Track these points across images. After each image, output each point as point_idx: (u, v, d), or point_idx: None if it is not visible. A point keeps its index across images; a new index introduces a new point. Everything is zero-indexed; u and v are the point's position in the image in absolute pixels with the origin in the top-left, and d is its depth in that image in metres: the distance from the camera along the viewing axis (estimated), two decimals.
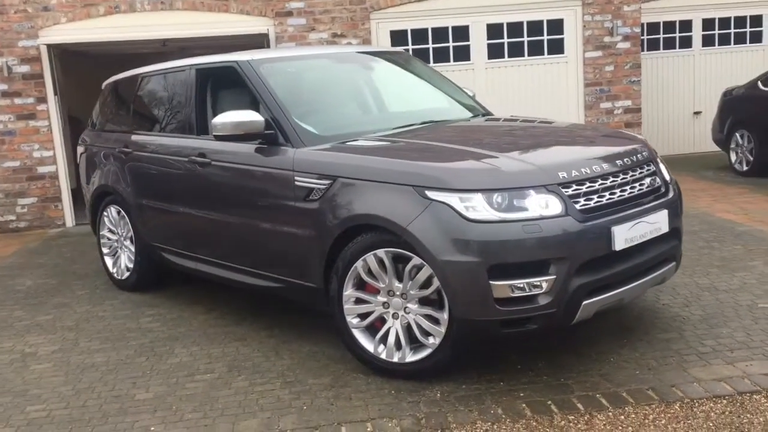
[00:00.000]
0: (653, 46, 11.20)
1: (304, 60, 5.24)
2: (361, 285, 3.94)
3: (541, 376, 3.78)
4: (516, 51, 9.74)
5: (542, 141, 4.33)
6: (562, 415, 3.37)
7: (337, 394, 3.72)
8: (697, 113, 11.63)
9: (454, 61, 9.65)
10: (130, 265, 5.84)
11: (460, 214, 3.50)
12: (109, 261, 6.10)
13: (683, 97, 11.61)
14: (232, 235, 4.71)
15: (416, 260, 3.66)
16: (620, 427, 3.24)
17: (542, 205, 3.53)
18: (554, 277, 3.49)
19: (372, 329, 3.93)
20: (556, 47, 9.75)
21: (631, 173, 3.90)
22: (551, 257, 3.50)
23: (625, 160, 3.91)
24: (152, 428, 3.53)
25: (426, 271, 3.64)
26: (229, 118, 4.33)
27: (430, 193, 3.59)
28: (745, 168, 9.36)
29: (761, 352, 3.87)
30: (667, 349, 4.00)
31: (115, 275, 6.00)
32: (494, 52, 9.70)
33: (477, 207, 3.50)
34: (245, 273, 4.65)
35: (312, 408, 3.61)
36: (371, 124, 4.71)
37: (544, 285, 3.49)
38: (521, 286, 3.48)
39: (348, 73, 5.29)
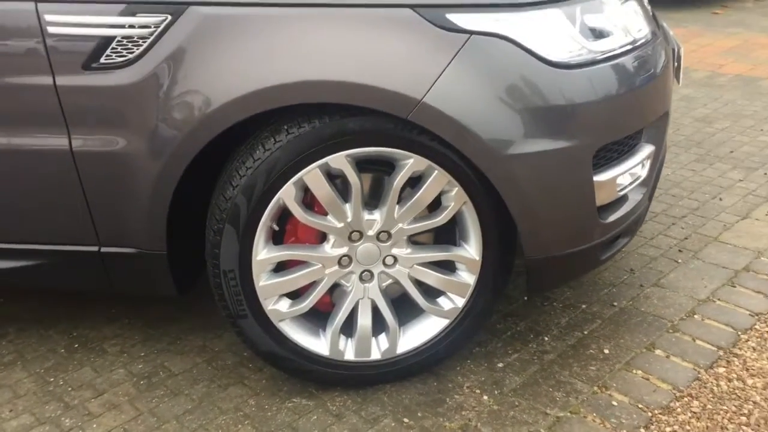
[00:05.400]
0: None
1: None
2: (278, 236, 1.90)
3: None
4: None
5: None
6: None
7: None
8: None
9: None
10: None
11: (537, 56, 1.70)
12: None
13: None
14: None
15: (417, 163, 1.78)
16: None
17: (628, 23, 1.92)
18: (652, 148, 2.01)
19: (311, 315, 1.98)
20: None
21: None
22: (653, 119, 1.99)
23: None
24: None
25: (436, 182, 1.81)
26: None
27: (460, 18, 1.67)
28: None
29: None
30: None
31: None
32: None
33: (560, 36, 1.74)
34: None
35: None
36: None
37: (642, 169, 1.99)
38: (625, 177, 1.92)
39: None
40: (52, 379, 2.12)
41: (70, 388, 2.08)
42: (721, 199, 3.00)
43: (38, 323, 2.36)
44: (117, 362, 2.18)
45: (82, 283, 2.08)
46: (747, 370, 2.04)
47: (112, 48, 1.73)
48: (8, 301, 2.47)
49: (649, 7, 2.18)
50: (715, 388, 1.98)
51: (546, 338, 2.21)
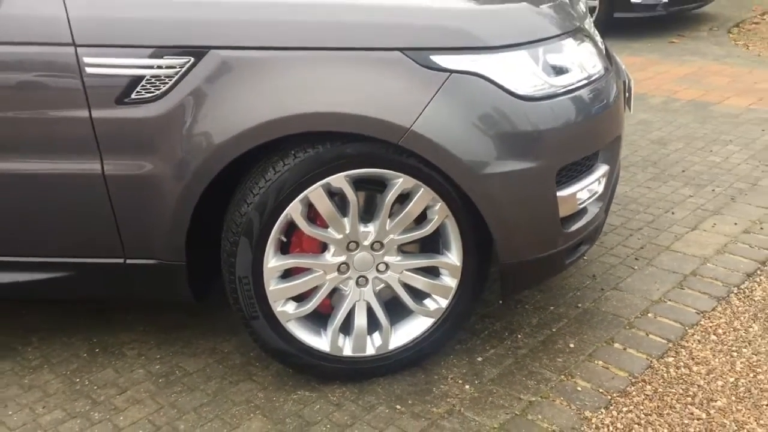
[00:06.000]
0: None
1: None
2: (284, 246, 2.17)
3: None
4: None
5: None
6: None
7: None
8: None
9: None
10: None
11: (507, 90, 2.01)
12: None
13: None
14: None
15: (406, 182, 2.08)
16: None
17: (584, 61, 2.24)
18: (607, 167, 2.33)
19: (314, 316, 2.25)
20: None
21: None
22: (607, 142, 2.31)
23: None
24: None
25: (423, 198, 2.10)
26: None
27: (442, 59, 1.98)
28: None
29: None
30: None
31: None
32: None
33: (526, 74, 2.05)
34: None
35: None
36: None
37: (599, 185, 2.31)
38: (584, 192, 2.23)
39: None
40: (77, 380, 2.35)
41: (95, 387, 2.32)
42: (673, 213, 3.33)
43: (60, 332, 2.59)
44: (136, 364, 2.42)
45: (108, 292, 2.33)
46: (693, 359, 2.35)
47: (142, 85, 2.00)
48: (28, 314, 2.70)
49: (602, 46, 2.50)
50: (665, 374, 2.29)
51: (519, 336, 2.50)
